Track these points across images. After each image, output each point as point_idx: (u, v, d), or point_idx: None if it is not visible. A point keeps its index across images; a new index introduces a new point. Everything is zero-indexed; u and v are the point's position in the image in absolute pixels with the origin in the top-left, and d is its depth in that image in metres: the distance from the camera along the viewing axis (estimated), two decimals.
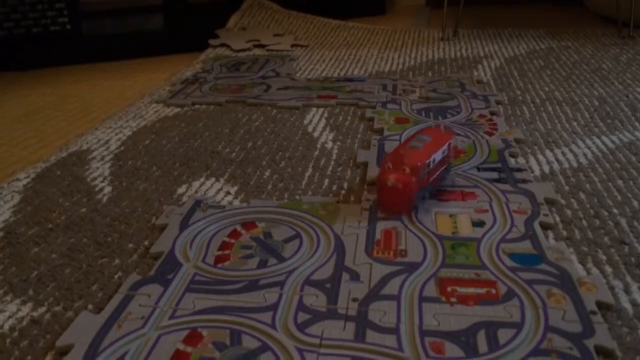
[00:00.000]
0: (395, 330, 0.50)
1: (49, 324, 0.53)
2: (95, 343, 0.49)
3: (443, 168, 0.72)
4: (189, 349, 0.48)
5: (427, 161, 0.66)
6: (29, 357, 0.49)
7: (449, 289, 0.55)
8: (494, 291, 0.54)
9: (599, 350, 0.47)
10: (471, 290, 0.54)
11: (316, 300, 0.54)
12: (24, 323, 0.54)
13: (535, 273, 0.56)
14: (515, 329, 0.49)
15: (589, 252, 0.61)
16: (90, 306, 0.55)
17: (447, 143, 0.71)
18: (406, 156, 0.66)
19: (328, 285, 0.56)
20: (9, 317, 0.55)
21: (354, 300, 0.54)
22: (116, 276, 0.60)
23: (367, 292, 0.55)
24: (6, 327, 0.53)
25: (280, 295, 0.55)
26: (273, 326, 0.51)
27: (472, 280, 0.56)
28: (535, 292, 0.54)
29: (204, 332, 0.50)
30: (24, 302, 0.56)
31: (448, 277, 0.56)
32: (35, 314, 0.55)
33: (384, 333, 0.49)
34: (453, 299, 0.53)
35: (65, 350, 0.49)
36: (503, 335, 0.49)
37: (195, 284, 0.57)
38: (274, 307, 0.53)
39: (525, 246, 0.61)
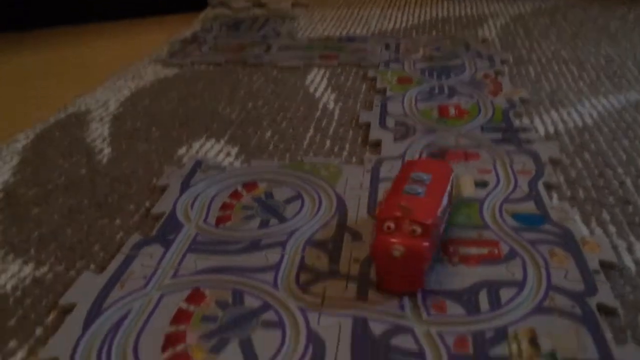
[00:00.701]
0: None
1: (51, 284, 0.53)
2: (98, 302, 0.50)
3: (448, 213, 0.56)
4: (191, 308, 0.49)
5: (439, 212, 0.50)
6: (33, 316, 0.49)
7: (451, 249, 0.54)
8: (496, 251, 0.54)
9: (601, 308, 0.47)
10: (473, 250, 0.54)
11: (318, 260, 0.54)
12: (27, 282, 0.54)
13: (538, 233, 0.56)
14: (517, 288, 0.49)
15: (593, 211, 0.61)
16: (92, 266, 0.55)
17: (450, 179, 0.55)
18: (415, 210, 0.48)
19: (330, 246, 0.56)
20: (11, 276, 0.55)
21: (356, 260, 0.53)
22: (117, 237, 0.60)
23: (368, 253, 0.54)
24: (8, 286, 0.53)
25: (282, 256, 0.54)
26: (275, 286, 0.51)
27: (474, 240, 0.56)
28: (538, 252, 0.53)
29: (206, 292, 0.50)
30: (25, 262, 0.56)
31: (450, 237, 0.56)
32: (37, 273, 0.55)
33: (386, 293, 0.49)
34: (455, 259, 0.53)
35: (68, 309, 0.49)
36: (505, 294, 0.49)
37: (197, 244, 0.57)
38: (275, 267, 0.53)
39: (529, 206, 0.60)
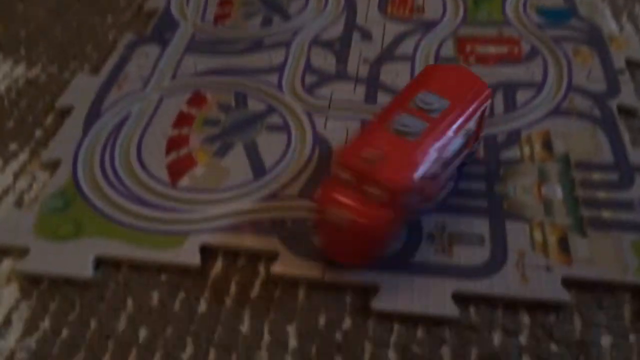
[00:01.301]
0: None
1: (46, 85, 0.51)
2: (96, 104, 0.48)
3: (467, 151, 0.39)
4: (193, 111, 0.47)
5: (426, 170, 0.34)
6: (30, 118, 0.48)
7: (467, 48, 0.51)
8: (516, 50, 0.50)
9: (622, 109, 0.45)
10: (492, 49, 0.50)
11: (325, 61, 0.50)
12: (20, 84, 0.51)
13: (564, 29, 0.52)
14: (535, 90, 0.47)
15: (625, 5, 0.55)
16: (86, 67, 0.53)
17: (481, 109, 0.37)
18: (383, 166, 0.32)
19: (337, 46, 0.52)
20: (4, 77, 0.52)
21: (365, 61, 0.50)
22: (110, 35, 0.56)
23: (380, 52, 0.51)
24: (2, 87, 0.51)
25: (287, 56, 0.51)
26: (279, 88, 0.48)
27: (493, 38, 0.52)
28: (562, 50, 0.50)
29: (208, 95, 0.48)
30: (16, 62, 0.54)
31: (468, 36, 0.52)
32: (30, 74, 0.52)
33: (396, 95, 0.47)
34: (471, 59, 0.50)
35: (66, 111, 0.48)
36: (522, 95, 0.46)
37: (195, 43, 0.53)
38: (280, 68, 0.50)
39: (556, 0, 0.55)
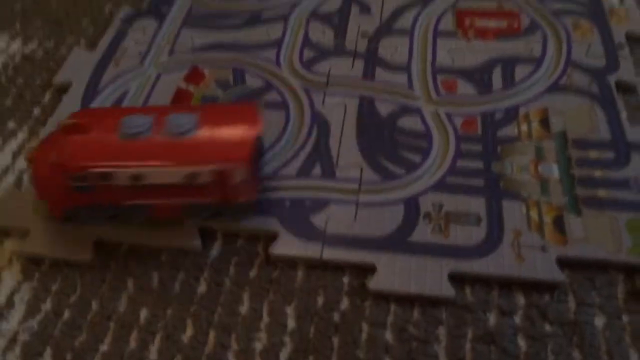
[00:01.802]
0: (406, 68, 0.47)
1: (42, 61, 0.51)
2: (94, 80, 0.47)
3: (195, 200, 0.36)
4: (191, 88, 0.47)
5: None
6: (28, 95, 0.48)
7: (467, 21, 0.50)
8: (515, 24, 0.50)
9: (620, 85, 0.45)
10: (491, 22, 0.50)
11: (323, 35, 0.50)
12: (17, 60, 0.51)
13: (564, 3, 0.51)
14: (534, 65, 0.46)
15: None
16: (82, 41, 0.52)
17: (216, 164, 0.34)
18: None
19: (336, 19, 0.51)
20: (0, 53, 0.52)
21: (364, 35, 0.50)
22: (106, 9, 0.55)
23: (378, 26, 0.50)
24: None
25: (285, 30, 0.51)
26: (277, 64, 0.48)
27: (493, 11, 0.51)
28: (561, 24, 0.49)
29: (206, 71, 0.48)
30: (12, 37, 0.53)
31: (467, 9, 0.51)
32: (26, 50, 0.52)
33: (394, 71, 0.47)
34: (470, 34, 0.49)
35: (63, 88, 0.47)
36: (520, 71, 0.46)
37: (193, 18, 0.52)
38: (277, 44, 0.49)
39: None
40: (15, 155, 0.43)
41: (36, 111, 0.47)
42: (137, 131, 0.35)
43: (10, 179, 0.42)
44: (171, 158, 0.34)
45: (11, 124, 0.46)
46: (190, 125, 0.35)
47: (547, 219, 0.37)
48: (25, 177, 0.42)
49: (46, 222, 0.38)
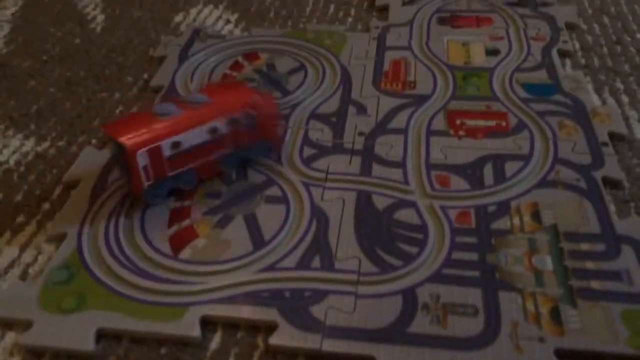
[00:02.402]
0: (401, 164, 0.49)
1: (54, 159, 0.53)
2: (102, 178, 0.50)
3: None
4: None
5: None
6: (38, 192, 0.50)
7: (457, 121, 0.53)
8: (504, 123, 0.53)
9: (607, 181, 0.47)
10: (480, 122, 0.53)
11: (322, 134, 0.53)
12: (29, 158, 0.53)
13: (549, 104, 0.54)
14: (523, 162, 0.49)
15: (607, 80, 0.58)
16: (93, 141, 0.55)
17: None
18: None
19: (334, 119, 0.54)
20: (14, 151, 0.54)
21: (361, 134, 0.52)
22: (117, 111, 0.59)
23: (374, 126, 0.53)
24: (12, 161, 0.53)
25: (286, 130, 0.53)
26: (279, 161, 0.50)
27: (482, 112, 0.54)
28: (547, 124, 0.52)
29: None
30: (26, 137, 0.56)
31: (457, 110, 0.54)
32: (39, 148, 0.54)
33: (390, 167, 0.49)
34: (461, 132, 0.52)
35: (73, 185, 0.49)
36: (510, 167, 0.48)
37: None
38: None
39: (541, 75, 0.58)
40: (22, 249, 0.45)
41: (45, 206, 0.48)
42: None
43: (16, 271, 0.43)
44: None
45: (20, 218, 0.47)
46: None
47: (544, 310, 0.38)
48: (31, 270, 0.43)
49: (49, 314, 0.38)
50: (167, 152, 0.44)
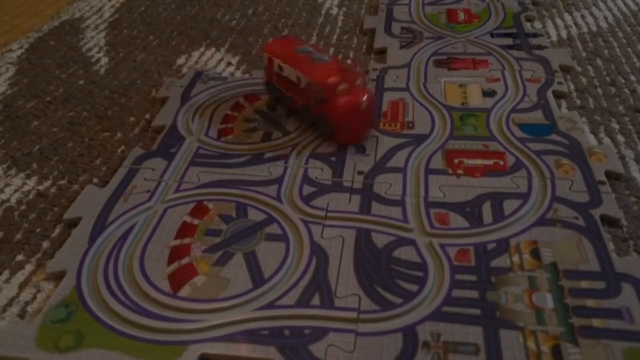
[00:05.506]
0: (400, 202, 0.49)
1: (55, 197, 0.53)
2: (103, 215, 0.50)
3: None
4: (195, 221, 0.49)
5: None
6: (38, 230, 0.50)
7: (455, 160, 0.54)
8: (501, 162, 0.53)
9: (605, 219, 0.47)
10: (478, 161, 0.54)
11: (321, 173, 0.53)
12: (31, 197, 0.54)
13: (545, 143, 0.55)
14: (521, 200, 0.49)
15: (602, 121, 0.59)
16: (95, 180, 0.55)
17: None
18: (349, 70, 0.55)
19: (333, 159, 0.55)
20: (15, 190, 0.55)
21: (360, 173, 0.53)
22: (119, 150, 0.59)
23: (373, 164, 0.54)
24: (13, 200, 0.54)
25: (285, 169, 0.54)
26: (278, 199, 0.51)
27: (479, 151, 0.55)
28: (544, 163, 0.53)
29: (210, 205, 0.50)
30: (28, 176, 0.56)
31: (455, 149, 0.55)
32: (40, 187, 0.55)
33: (389, 205, 0.49)
34: (460, 171, 0.52)
35: (73, 223, 0.50)
36: (509, 205, 0.48)
37: (199, 157, 0.56)
38: (279, 181, 0.53)
39: (537, 116, 0.59)
40: (21, 287, 0.44)
41: (45, 244, 0.48)
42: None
43: (14, 309, 0.43)
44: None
45: (19, 257, 0.47)
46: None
47: (545, 349, 0.37)
48: (29, 309, 0.42)
49: (46, 353, 0.38)
50: (275, 68, 0.58)
